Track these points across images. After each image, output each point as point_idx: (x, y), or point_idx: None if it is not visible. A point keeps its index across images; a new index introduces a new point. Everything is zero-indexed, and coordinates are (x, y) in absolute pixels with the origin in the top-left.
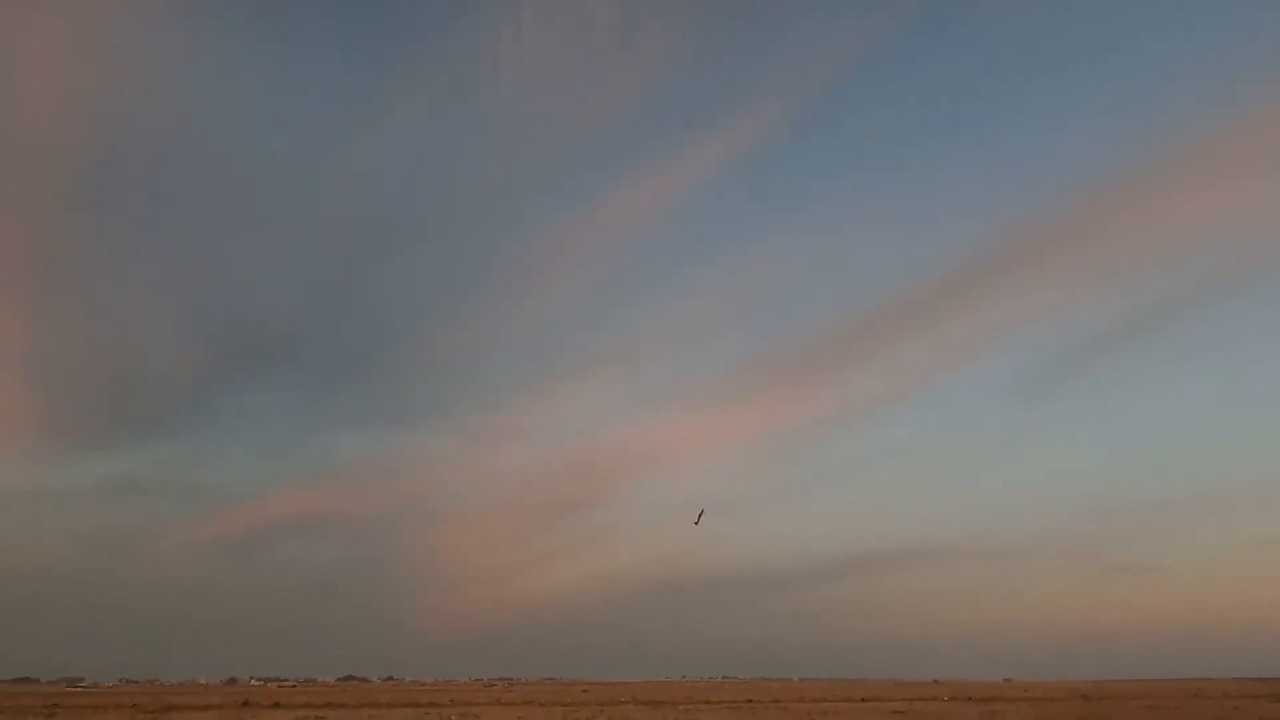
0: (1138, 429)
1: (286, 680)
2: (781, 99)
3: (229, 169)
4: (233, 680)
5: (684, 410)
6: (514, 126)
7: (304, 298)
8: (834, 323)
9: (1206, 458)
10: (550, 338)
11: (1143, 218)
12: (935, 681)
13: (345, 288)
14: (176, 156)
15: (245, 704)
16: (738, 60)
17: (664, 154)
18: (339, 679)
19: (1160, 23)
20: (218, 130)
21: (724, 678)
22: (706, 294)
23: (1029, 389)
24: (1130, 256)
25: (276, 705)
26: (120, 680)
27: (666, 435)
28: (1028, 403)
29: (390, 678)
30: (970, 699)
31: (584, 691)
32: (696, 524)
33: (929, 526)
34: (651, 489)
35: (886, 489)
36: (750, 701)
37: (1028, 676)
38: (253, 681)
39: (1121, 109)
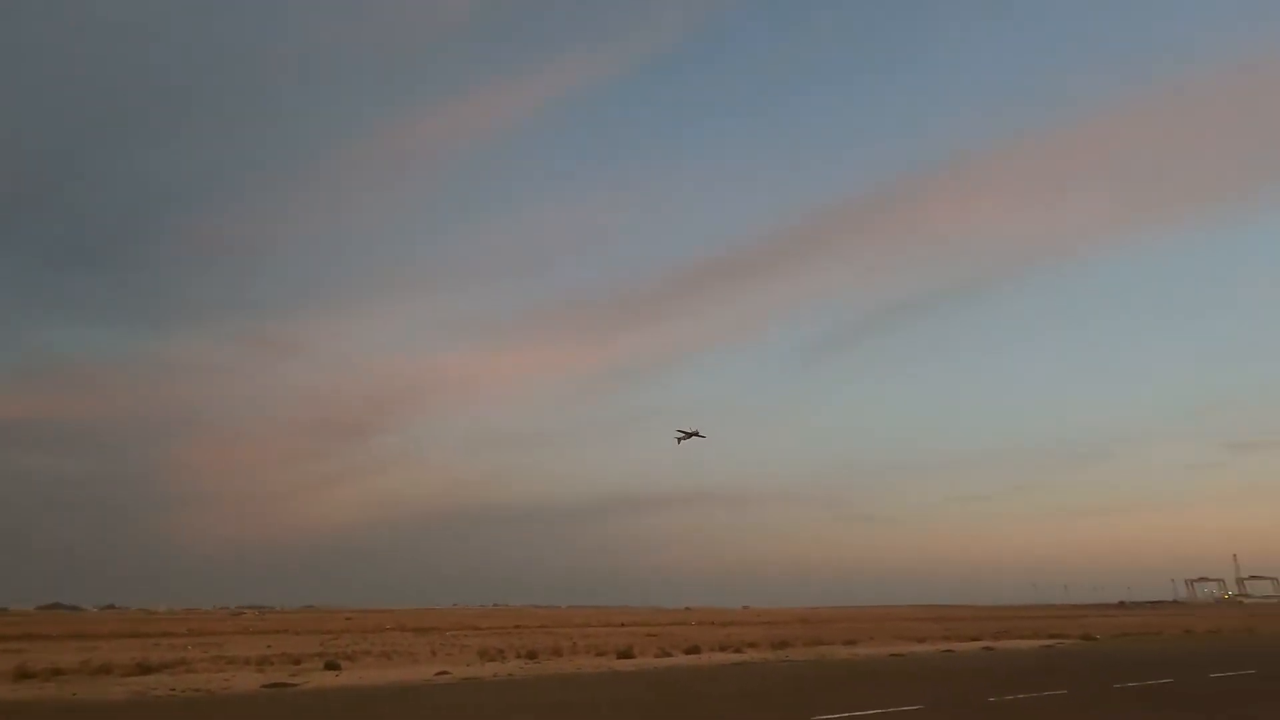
0: (882, 402)
1: None
2: (613, 49)
3: None
4: None
5: (484, 344)
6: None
7: (24, 161)
8: (644, 277)
9: (923, 431)
10: (346, 251)
11: (909, 221)
12: (687, 609)
13: (85, 156)
14: None
15: None
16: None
17: (492, 81)
18: (40, 607)
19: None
20: None
21: (495, 605)
22: (519, 232)
23: (805, 359)
24: (899, 253)
25: None
26: None
27: (463, 367)
28: (803, 371)
29: (111, 606)
30: (714, 623)
31: (347, 619)
32: (679, 443)
33: (704, 473)
34: (442, 419)
35: (668, 437)
36: (518, 627)
37: (765, 605)
38: None
39: (918, 121)
